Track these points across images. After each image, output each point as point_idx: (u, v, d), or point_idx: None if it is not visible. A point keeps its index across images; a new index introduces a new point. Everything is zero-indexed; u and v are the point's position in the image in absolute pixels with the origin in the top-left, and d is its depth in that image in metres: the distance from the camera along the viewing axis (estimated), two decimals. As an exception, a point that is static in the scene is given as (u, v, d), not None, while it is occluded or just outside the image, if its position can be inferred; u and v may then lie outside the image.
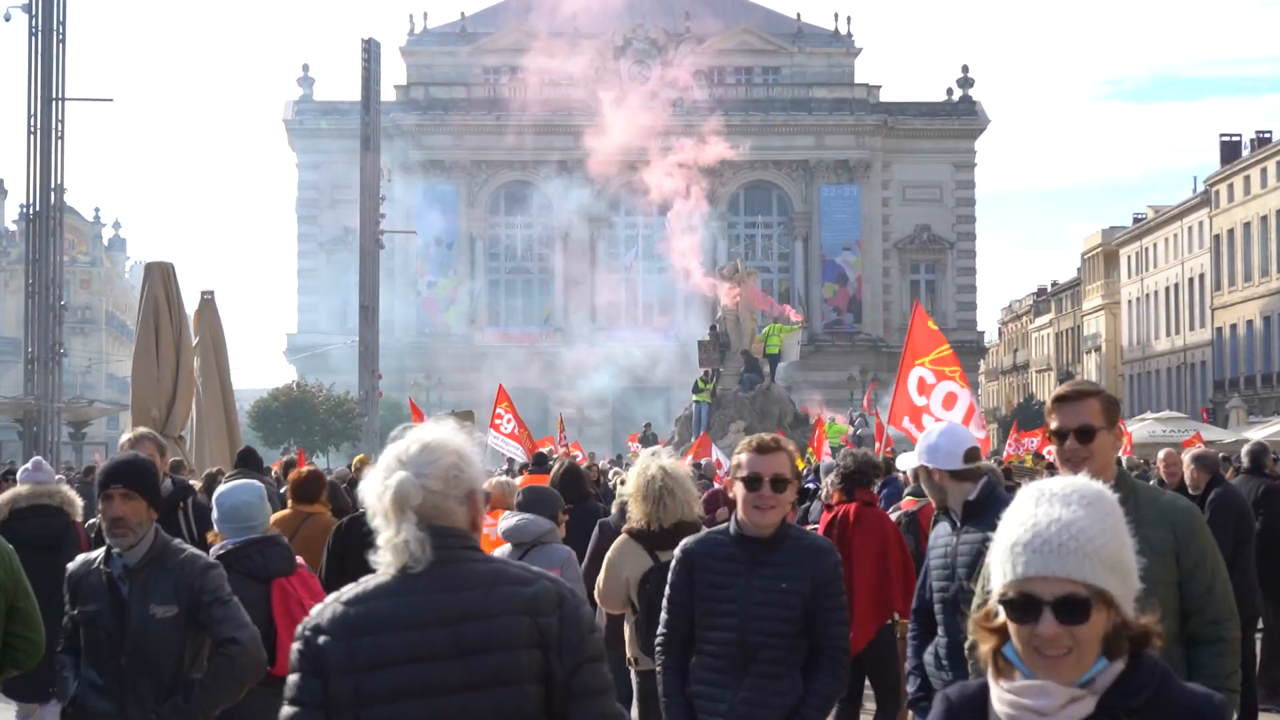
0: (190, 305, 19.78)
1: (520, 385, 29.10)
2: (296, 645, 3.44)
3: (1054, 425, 5.37)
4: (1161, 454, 15.10)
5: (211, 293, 20.78)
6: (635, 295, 73.65)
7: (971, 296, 78.33)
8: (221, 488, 7.69)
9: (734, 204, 76.43)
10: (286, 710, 3.41)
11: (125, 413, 25.04)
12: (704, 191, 74.75)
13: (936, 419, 13.84)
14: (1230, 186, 76.69)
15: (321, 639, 3.39)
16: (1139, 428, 48.23)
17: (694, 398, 44.42)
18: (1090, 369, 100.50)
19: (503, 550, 8.36)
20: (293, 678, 3.43)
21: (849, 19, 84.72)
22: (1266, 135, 75.24)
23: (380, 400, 50.17)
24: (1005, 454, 33.85)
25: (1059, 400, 5.42)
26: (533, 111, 71.45)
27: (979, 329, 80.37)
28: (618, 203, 75.05)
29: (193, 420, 20.10)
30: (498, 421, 26.45)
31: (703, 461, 24.57)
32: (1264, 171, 73.03)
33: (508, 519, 8.88)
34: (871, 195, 75.80)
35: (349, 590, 3.48)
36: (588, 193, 72.45)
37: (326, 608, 3.46)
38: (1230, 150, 79.04)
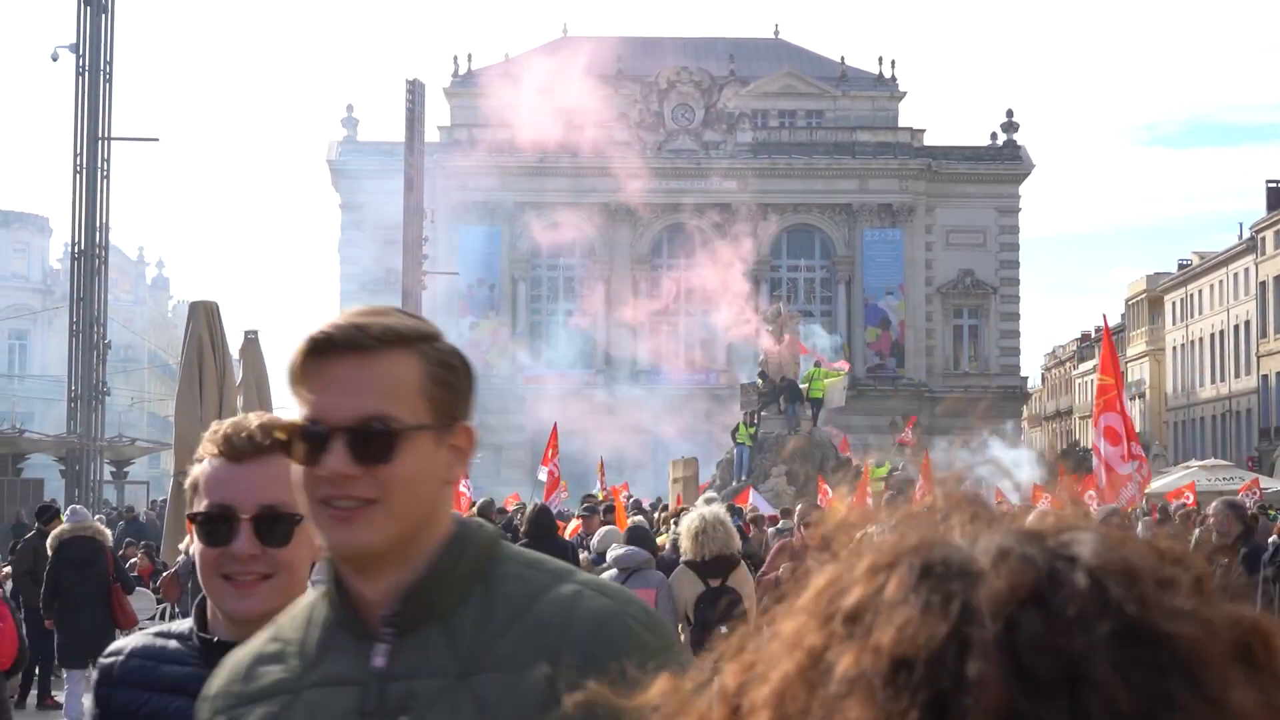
0: (234, 344, 19.72)
1: (562, 427, 29.14)
2: None
3: None
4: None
5: (256, 332, 20.69)
6: (678, 337, 73.49)
7: (1015, 342, 77.88)
8: None
9: (776, 247, 76.26)
10: None
11: (167, 451, 25.03)
12: (747, 234, 74.69)
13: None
14: (1277, 233, 76.11)
15: None
16: (1183, 475, 47.80)
17: (735, 440, 44.22)
18: (1134, 416, 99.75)
19: (610, 574, 11.07)
20: None
21: (893, 63, 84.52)
22: (1314, 182, 74.79)
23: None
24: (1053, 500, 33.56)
25: None
26: (577, 154, 71.51)
27: (1022, 374, 79.88)
28: (660, 245, 75.04)
29: (235, 460, 19.98)
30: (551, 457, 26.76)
31: (740, 507, 24.92)
32: (1311, 218, 72.54)
33: (616, 549, 11.66)
34: (915, 239, 75.52)
35: None
36: (631, 235, 72.45)
37: None
38: (1277, 196, 78.43)
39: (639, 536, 12.37)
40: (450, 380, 2.27)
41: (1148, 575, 0.89)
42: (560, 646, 2.13)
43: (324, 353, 2.21)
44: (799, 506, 17.44)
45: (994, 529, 0.95)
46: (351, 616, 2.24)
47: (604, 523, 20.37)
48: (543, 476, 27.43)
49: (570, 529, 19.70)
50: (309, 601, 2.34)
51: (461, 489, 28.00)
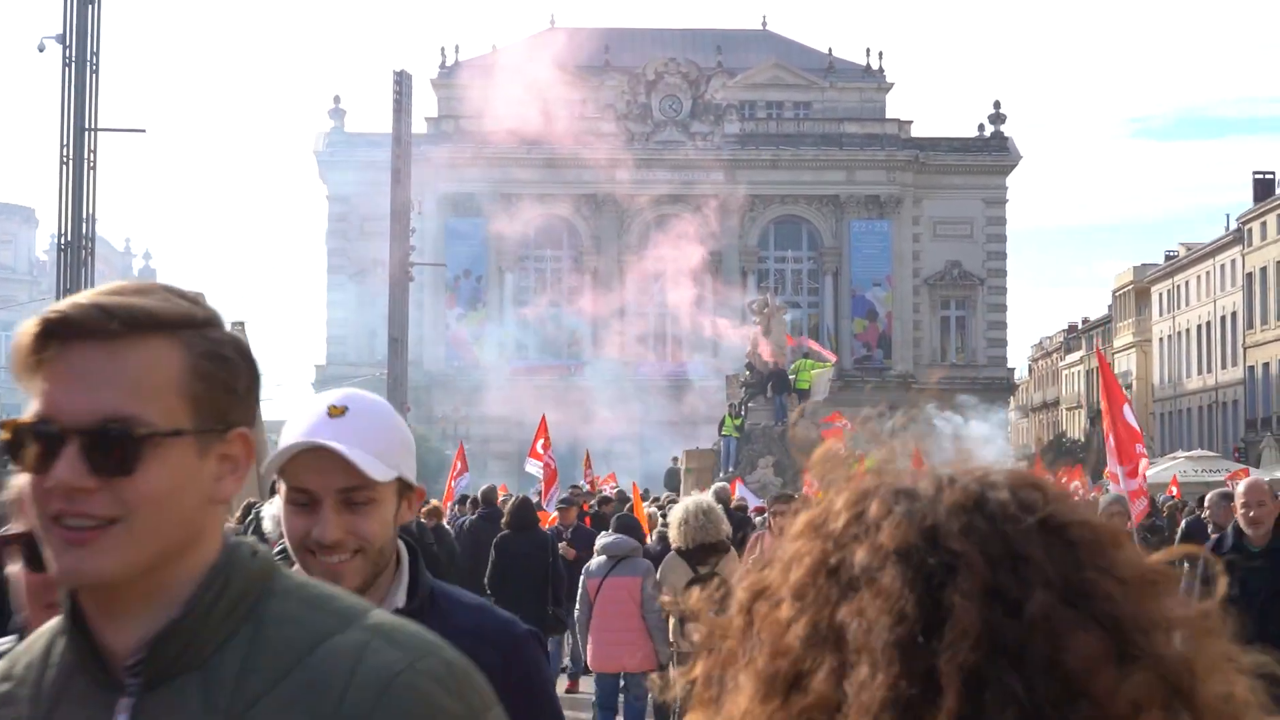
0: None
1: (550, 418, 29.05)
2: None
3: None
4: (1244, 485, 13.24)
5: (242, 323, 20.75)
6: (664, 329, 73.48)
7: (1002, 333, 77.98)
8: None
9: (764, 238, 76.30)
10: None
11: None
12: (734, 225, 74.72)
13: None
14: (1264, 224, 76.26)
15: None
16: (1169, 466, 47.91)
17: (722, 432, 44.19)
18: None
19: (598, 562, 12.20)
20: None
21: (880, 54, 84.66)
22: (1300, 173, 74.94)
23: (409, 432, 49.94)
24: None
25: None
26: (564, 145, 71.44)
27: (1009, 366, 79.99)
28: (647, 236, 75.03)
29: (221, 451, 19.99)
30: (539, 450, 26.67)
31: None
32: (1297, 210, 72.67)
33: (605, 537, 12.50)
34: (902, 231, 75.57)
35: None
36: (618, 226, 72.47)
37: None
38: (1263, 188, 78.63)
39: (626, 525, 12.69)
40: (221, 376, 1.86)
41: (1049, 489, 1.27)
42: (335, 715, 1.75)
43: (61, 337, 1.78)
44: (770, 498, 17.41)
45: (928, 473, 1.33)
46: (91, 660, 1.83)
47: (598, 514, 20.36)
48: (530, 468, 27.26)
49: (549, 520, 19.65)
50: (51, 630, 1.91)
51: (451, 484, 28.02)
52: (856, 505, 1.31)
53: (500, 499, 19.32)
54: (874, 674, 1.20)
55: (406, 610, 2.91)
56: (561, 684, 17.25)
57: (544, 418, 28.05)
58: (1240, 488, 9.76)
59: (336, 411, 2.99)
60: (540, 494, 24.95)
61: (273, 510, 6.41)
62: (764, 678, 1.27)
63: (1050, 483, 1.31)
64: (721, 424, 44.27)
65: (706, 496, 12.41)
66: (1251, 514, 9.20)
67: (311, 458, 2.94)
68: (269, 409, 21.78)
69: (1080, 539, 1.25)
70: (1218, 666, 1.27)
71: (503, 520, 15.96)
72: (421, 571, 3.14)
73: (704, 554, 10.76)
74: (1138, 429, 15.26)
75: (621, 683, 12.65)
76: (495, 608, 3.26)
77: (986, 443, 63.93)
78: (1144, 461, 21.09)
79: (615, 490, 30.89)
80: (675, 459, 46.42)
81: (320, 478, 2.96)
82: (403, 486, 3.05)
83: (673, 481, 41.94)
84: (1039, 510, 1.26)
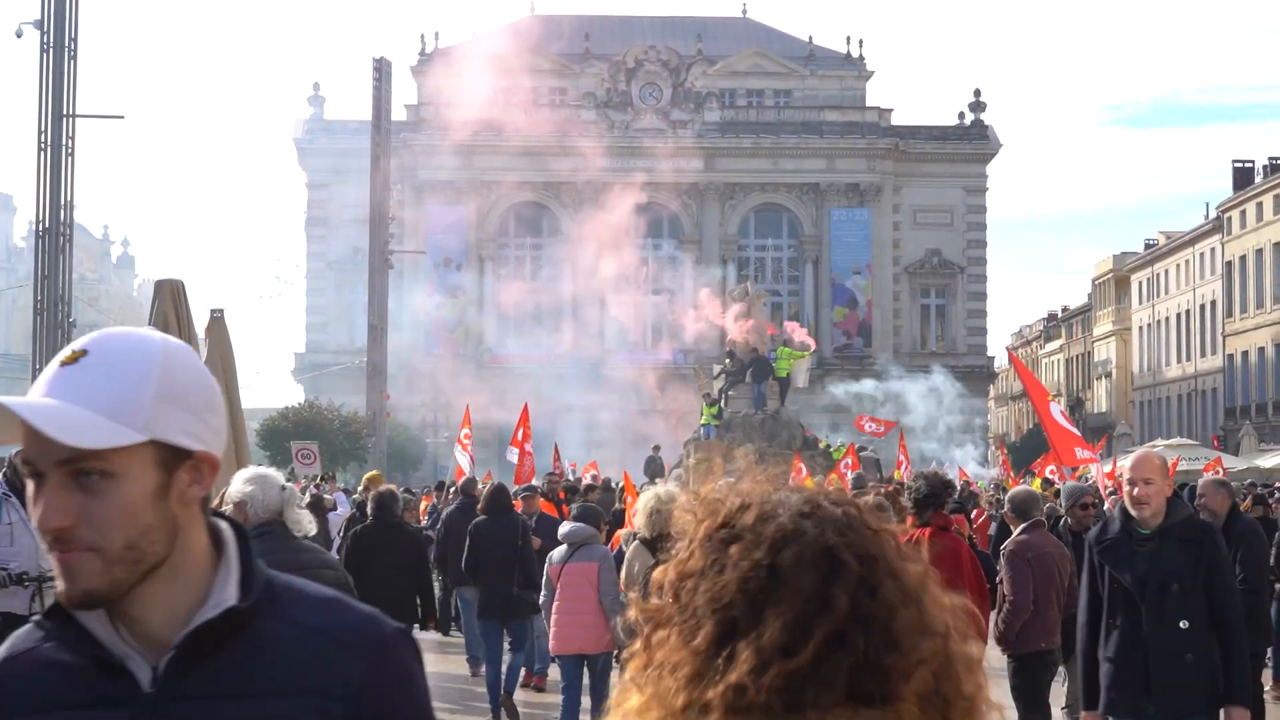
0: (200, 323, 19.62)
1: (530, 407, 29.07)
2: None
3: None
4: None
5: (221, 311, 20.60)
6: (645, 317, 73.47)
7: (982, 321, 78.12)
8: None
9: (744, 226, 76.30)
10: None
11: (132, 431, 24.90)
12: (714, 213, 74.70)
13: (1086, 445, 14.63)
14: (1243, 213, 76.48)
15: None
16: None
17: (702, 420, 44.23)
18: (1100, 395, 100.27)
19: (560, 550, 12.55)
20: None
21: (860, 42, 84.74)
22: (1279, 162, 75.04)
23: (388, 421, 49.93)
24: (1011, 480, 34.09)
25: None
26: (544, 132, 71.35)
27: (989, 354, 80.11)
28: (627, 223, 75.00)
29: (201, 439, 19.94)
30: (520, 439, 26.71)
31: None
32: (1277, 198, 72.83)
33: (565, 525, 12.87)
34: (882, 219, 75.66)
35: None
36: (598, 213, 72.37)
37: None
38: (1243, 176, 78.80)
39: (586, 513, 12.93)
40: None
41: (868, 507, 1.80)
42: None
43: None
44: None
45: (808, 494, 1.81)
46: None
47: (585, 501, 20.40)
48: (512, 457, 27.40)
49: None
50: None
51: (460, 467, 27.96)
52: (753, 513, 1.79)
53: (478, 488, 19.44)
54: (760, 632, 1.68)
55: (242, 608, 2.25)
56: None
57: (525, 407, 28.08)
58: (1127, 462, 8.40)
59: (70, 358, 2.22)
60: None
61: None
62: (685, 633, 1.74)
63: (865, 503, 1.81)
64: (703, 411, 44.34)
65: (671, 487, 12.63)
66: (1136, 491, 7.77)
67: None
68: (246, 397, 21.66)
69: (899, 545, 1.77)
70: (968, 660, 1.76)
71: (478, 506, 16.24)
72: (254, 560, 2.38)
73: (665, 542, 10.75)
74: (1071, 430, 15.15)
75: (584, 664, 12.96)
76: (352, 601, 2.44)
77: (966, 432, 64.17)
78: (1094, 468, 20.99)
79: (601, 479, 30.94)
80: (656, 448, 46.44)
81: (36, 444, 2.19)
82: (170, 454, 2.24)
83: (652, 470, 41.97)
84: (880, 524, 1.77)
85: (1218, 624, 7.67)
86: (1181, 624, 7.63)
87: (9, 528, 12.40)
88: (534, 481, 24.54)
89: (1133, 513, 7.79)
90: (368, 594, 13.78)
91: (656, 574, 1.88)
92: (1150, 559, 7.70)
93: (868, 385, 61.72)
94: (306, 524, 7.93)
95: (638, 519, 11.44)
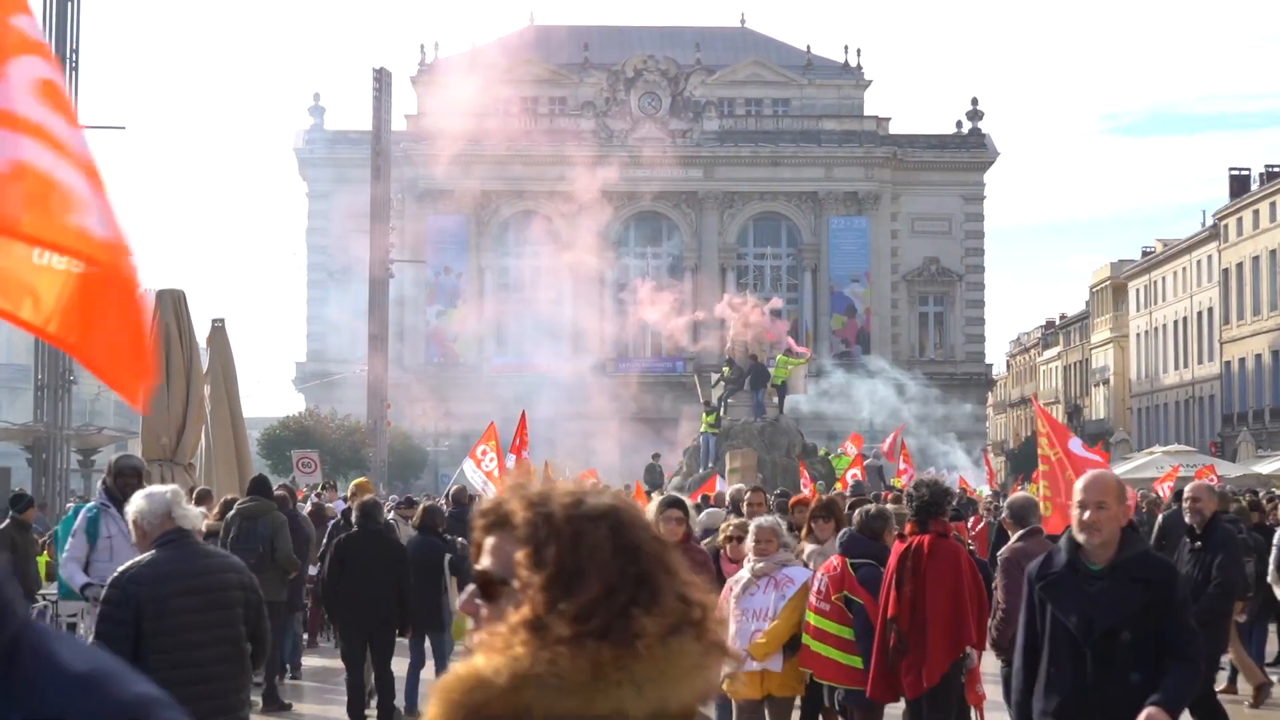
0: (201, 333, 19.82)
1: (529, 415, 29.15)
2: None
3: None
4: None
5: (222, 320, 20.83)
6: (644, 325, 73.59)
7: (980, 329, 78.29)
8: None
9: (743, 235, 76.48)
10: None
11: (134, 440, 25.06)
12: (713, 222, 74.88)
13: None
14: (1239, 220, 76.66)
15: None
16: (1148, 461, 48.22)
17: (701, 429, 44.34)
18: (1098, 402, 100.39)
19: None
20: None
21: (859, 51, 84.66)
22: (1276, 169, 75.15)
23: (389, 430, 50.10)
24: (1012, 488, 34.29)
25: None
26: (543, 142, 71.54)
27: (987, 361, 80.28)
28: (627, 232, 75.21)
29: (203, 448, 20.14)
30: (517, 446, 26.84)
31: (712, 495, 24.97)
32: (1273, 205, 73.01)
33: None
34: (880, 227, 75.85)
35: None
36: (597, 223, 72.54)
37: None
38: (1239, 184, 78.95)
39: None
40: None
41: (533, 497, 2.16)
42: None
43: None
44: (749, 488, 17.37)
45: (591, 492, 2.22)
46: None
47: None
48: (510, 465, 27.53)
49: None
50: None
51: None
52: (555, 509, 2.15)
53: (468, 497, 19.66)
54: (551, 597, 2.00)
55: None
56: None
57: (523, 414, 28.23)
58: (1079, 483, 6.81)
59: None
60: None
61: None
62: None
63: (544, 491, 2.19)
64: (702, 419, 44.42)
65: (673, 496, 12.62)
66: (1087, 516, 6.55)
67: None
68: (247, 406, 21.84)
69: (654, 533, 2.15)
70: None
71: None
72: (9, 603, 1.78)
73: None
74: (1090, 457, 15.13)
75: None
76: (120, 678, 1.76)
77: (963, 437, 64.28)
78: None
79: (600, 488, 31.07)
80: (655, 456, 46.54)
81: None
82: None
83: (652, 478, 42.06)
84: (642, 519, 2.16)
85: (1171, 669, 6.48)
86: (1133, 677, 6.47)
87: (109, 541, 11.76)
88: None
89: (1079, 539, 6.61)
90: (350, 601, 13.96)
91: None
92: (1098, 600, 6.55)
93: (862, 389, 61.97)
94: (195, 518, 7.63)
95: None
